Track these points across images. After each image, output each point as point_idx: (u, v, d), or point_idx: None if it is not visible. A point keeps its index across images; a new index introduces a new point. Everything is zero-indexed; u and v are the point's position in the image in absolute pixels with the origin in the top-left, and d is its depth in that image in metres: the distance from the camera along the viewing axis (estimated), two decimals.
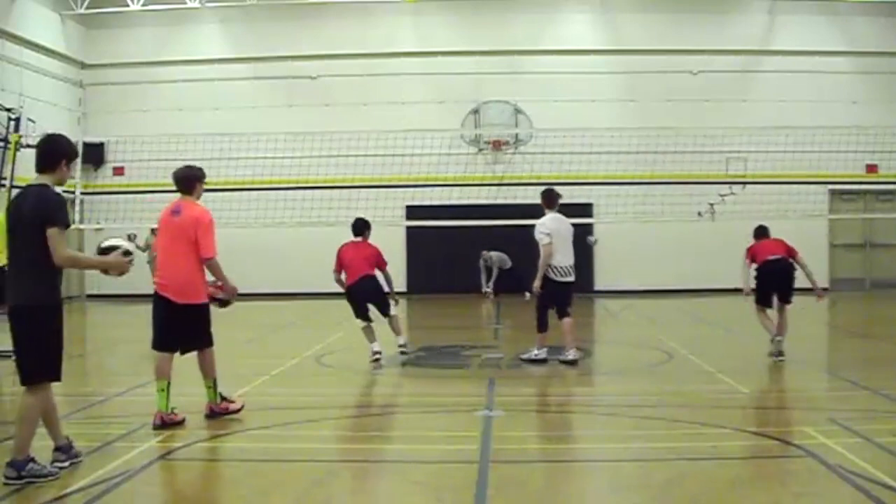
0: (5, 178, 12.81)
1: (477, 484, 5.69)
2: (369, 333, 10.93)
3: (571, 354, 10.68)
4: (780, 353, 10.60)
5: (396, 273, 22.86)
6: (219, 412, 7.68)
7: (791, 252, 11.03)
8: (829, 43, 22.98)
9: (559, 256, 10.64)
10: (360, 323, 11.03)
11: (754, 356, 11.13)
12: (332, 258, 11.12)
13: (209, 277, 7.58)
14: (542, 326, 10.79)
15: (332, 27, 23.09)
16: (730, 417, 7.58)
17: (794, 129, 18.94)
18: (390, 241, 22.67)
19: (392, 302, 11.18)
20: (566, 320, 10.78)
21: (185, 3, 22.58)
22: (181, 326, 7.42)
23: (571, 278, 10.84)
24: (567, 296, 10.88)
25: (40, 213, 5.60)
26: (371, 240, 11.19)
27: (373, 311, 11.08)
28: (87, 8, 21.98)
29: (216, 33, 23.60)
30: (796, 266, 10.98)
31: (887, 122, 20.79)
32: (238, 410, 7.79)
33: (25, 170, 16.36)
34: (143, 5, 22.18)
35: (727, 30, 23.19)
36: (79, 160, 19.96)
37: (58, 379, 5.79)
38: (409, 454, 6.66)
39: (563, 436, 7.66)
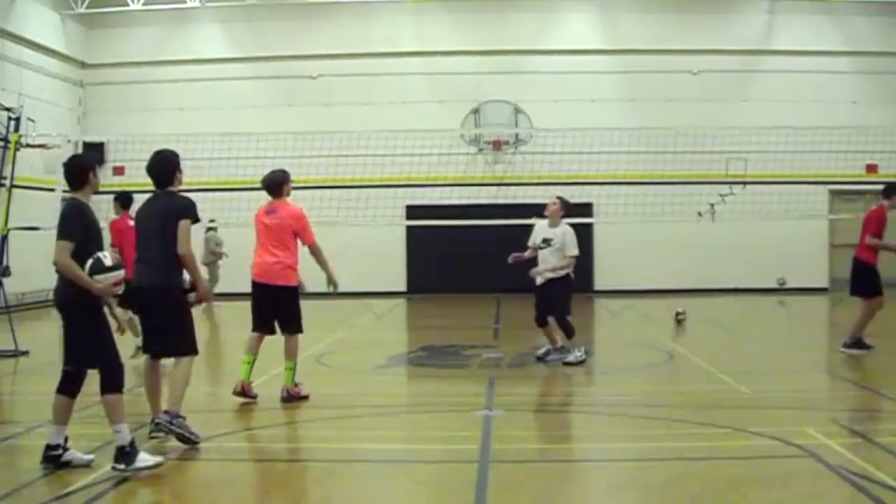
0: (5, 178, 12.80)
1: (477, 484, 5.69)
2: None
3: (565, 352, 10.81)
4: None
5: (397, 273, 23.29)
6: (292, 395, 8.31)
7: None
8: (829, 43, 22.95)
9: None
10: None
11: (754, 356, 11.13)
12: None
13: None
14: (573, 330, 10.62)
15: (333, 27, 23.06)
16: (730, 417, 7.57)
17: (794, 129, 18.91)
18: (390, 241, 22.92)
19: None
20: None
21: (186, 2, 22.55)
22: (275, 308, 8.31)
23: None
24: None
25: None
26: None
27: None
28: (88, 7, 21.94)
29: (217, 33, 23.58)
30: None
31: (887, 122, 20.78)
32: (305, 397, 8.38)
33: (25, 169, 16.42)
34: (144, 5, 22.15)
35: (727, 30, 23.15)
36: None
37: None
38: (410, 454, 6.67)
39: (563, 436, 7.67)
